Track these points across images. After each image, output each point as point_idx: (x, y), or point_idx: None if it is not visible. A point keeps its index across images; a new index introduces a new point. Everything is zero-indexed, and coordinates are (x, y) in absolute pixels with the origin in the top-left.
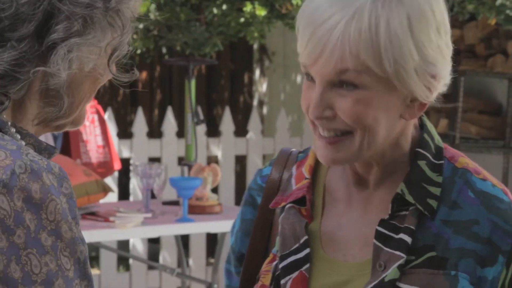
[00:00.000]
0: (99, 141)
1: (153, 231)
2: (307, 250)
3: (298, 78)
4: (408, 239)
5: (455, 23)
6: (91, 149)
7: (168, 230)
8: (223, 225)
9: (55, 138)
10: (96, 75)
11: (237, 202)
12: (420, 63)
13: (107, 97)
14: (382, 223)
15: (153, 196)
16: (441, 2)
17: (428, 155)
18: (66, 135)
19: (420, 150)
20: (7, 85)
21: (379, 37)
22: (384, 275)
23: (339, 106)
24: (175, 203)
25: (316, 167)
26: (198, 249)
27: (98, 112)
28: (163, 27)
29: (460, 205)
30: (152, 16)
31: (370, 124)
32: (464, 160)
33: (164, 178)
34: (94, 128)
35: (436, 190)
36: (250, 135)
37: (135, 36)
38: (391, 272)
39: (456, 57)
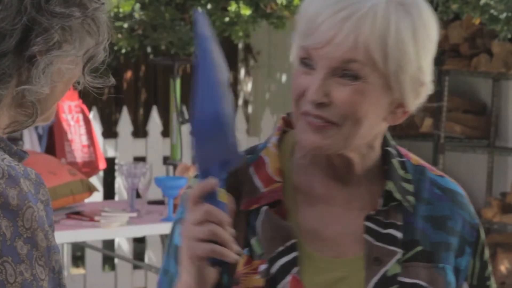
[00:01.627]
0: (84, 140)
1: (139, 231)
2: (294, 253)
3: (283, 78)
4: (398, 234)
5: (439, 22)
6: (76, 149)
7: (153, 230)
8: None
9: (39, 137)
10: (71, 82)
11: None
12: (416, 71)
13: (92, 96)
14: (369, 219)
15: (138, 195)
16: (435, 23)
17: (395, 153)
18: (51, 134)
19: (389, 149)
20: None
21: (388, 37)
22: (384, 270)
23: (337, 95)
24: (160, 202)
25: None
26: None
27: (83, 112)
28: (148, 26)
29: (431, 201)
30: (136, 15)
31: (360, 117)
32: (415, 156)
33: (149, 177)
34: (79, 128)
35: (410, 187)
36: None
37: (119, 36)
38: (392, 267)
39: (441, 56)
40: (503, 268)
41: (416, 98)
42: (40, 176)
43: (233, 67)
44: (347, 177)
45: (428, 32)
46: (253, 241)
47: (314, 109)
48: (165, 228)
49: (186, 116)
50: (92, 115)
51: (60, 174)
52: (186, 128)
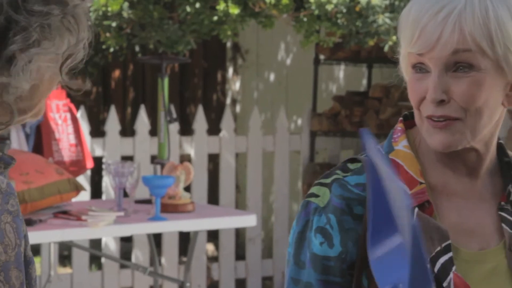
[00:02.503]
0: (72, 139)
1: (126, 230)
2: (450, 253)
3: (271, 76)
4: None
5: None
6: (63, 148)
7: (140, 229)
8: (195, 224)
9: (27, 136)
10: (54, 80)
11: (210, 201)
12: None
13: (79, 95)
14: (501, 209)
15: (125, 194)
16: None
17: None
18: (39, 133)
19: (500, 141)
20: None
21: (490, 23)
22: None
23: (455, 89)
24: (147, 201)
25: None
26: (170, 247)
27: (70, 111)
28: (136, 25)
29: None
30: (125, 14)
31: (480, 106)
32: None
33: (136, 176)
34: (67, 127)
35: None
36: (223, 133)
37: (108, 35)
38: None
39: None
40: None
41: None
42: (12, 186)
43: (221, 66)
44: (477, 169)
45: None
46: None
47: (436, 110)
48: (152, 227)
49: (174, 115)
50: (80, 114)
51: (48, 173)
52: (173, 127)
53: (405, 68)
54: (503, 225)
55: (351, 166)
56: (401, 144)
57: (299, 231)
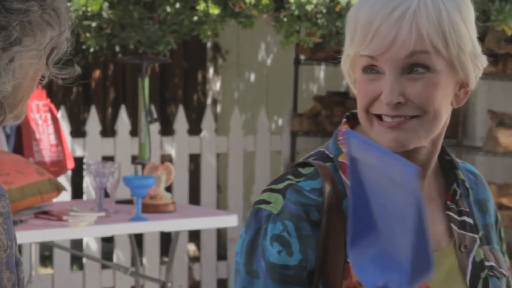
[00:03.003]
0: (52, 139)
1: (107, 230)
2: None
3: (252, 77)
4: (470, 220)
5: None
6: (44, 148)
7: (121, 229)
8: (177, 224)
9: (7, 136)
10: (37, 76)
11: (191, 201)
12: (471, 47)
13: (60, 95)
14: (449, 209)
15: (106, 195)
16: None
17: None
18: (19, 134)
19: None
20: None
21: (444, 23)
22: (472, 257)
23: (411, 91)
24: (128, 202)
25: None
26: (152, 248)
27: (51, 111)
28: (116, 25)
29: (472, 187)
30: (105, 14)
31: (437, 107)
32: None
33: (117, 177)
34: (47, 127)
35: (460, 175)
36: (203, 133)
37: (88, 35)
38: (477, 253)
39: None
40: None
41: (477, 73)
42: (2, 188)
43: (202, 66)
44: (425, 169)
45: (469, 7)
46: None
47: (392, 111)
48: (134, 227)
49: (155, 115)
50: (60, 114)
51: (28, 173)
52: (154, 127)
53: (351, 69)
54: (452, 225)
55: (303, 171)
56: None
57: (250, 239)
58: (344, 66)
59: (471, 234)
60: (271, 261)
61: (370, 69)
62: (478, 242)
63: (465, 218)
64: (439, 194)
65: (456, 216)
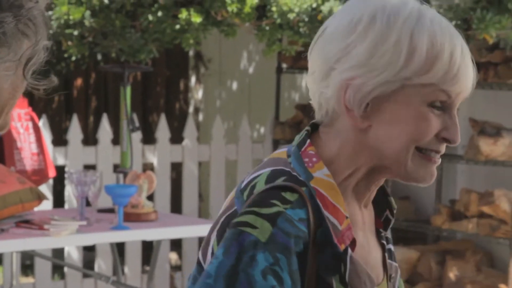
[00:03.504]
0: (34, 148)
1: (88, 239)
2: None
3: (234, 85)
4: (392, 247)
5: None
6: (25, 157)
7: (103, 238)
8: (158, 233)
9: None
10: (15, 88)
11: (173, 210)
12: None
13: (41, 104)
14: (382, 238)
15: (88, 203)
16: None
17: None
18: (0, 142)
19: None
20: None
21: None
22: (397, 287)
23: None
24: (110, 210)
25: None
26: (133, 256)
27: (32, 119)
28: (98, 33)
29: None
30: (87, 23)
31: None
32: None
33: (99, 185)
34: (29, 136)
35: (393, 203)
36: (185, 142)
37: (69, 43)
38: (400, 283)
39: None
40: (452, 275)
41: None
42: None
43: (184, 75)
44: (369, 199)
45: None
46: (338, 283)
47: (442, 148)
48: (115, 236)
49: (137, 123)
50: (42, 123)
51: (9, 182)
52: (136, 136)
53: (409, 95)
54: (386, 255)
55: (289, 197)
56: (321, 172)
57: (232, 264)
58: (363, 87)
59: (394, 263)
60: None
61: (437, 105)
62: (399, 271)
63: (391, 246)
64: (373, 223)
65: (389, 246)
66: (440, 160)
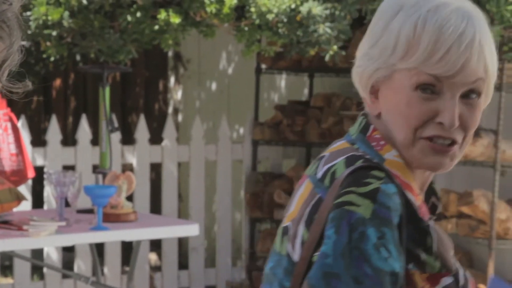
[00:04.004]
0: (12, 149)
1: (68, 240)
2: (461, 268)
3: (213, 86)
4: None
5: None
6: (4, 157)
7: (82, 239)
8: (138, 233)
9: None
10: None
11: (152, 210)
12: (495, 74)
13: (20, 104)
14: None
15: (67, 204)
16: None
17: None
18: None
19: None
20: None
21: (494, 53)
22: None
23: (466, 116)
24: (89, 211)
25: None
26: (113, 257)
27: (11, 120)
28: (77, 34)
29: None
30: (65, 23)
31: (473, 131)
32: None
33: (78, 186)
34: (7, 136)
35: (436, 190)
36: (165, 142)
37: (48, 44)
38: None
39: None
40: None
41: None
42: None
43: (163, 75)
44: (425, 182)
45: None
46: (424, 255)
47: (446, 133)
48: (95, 237)
49: (116, 124)
50: (21, 123)
51: None
52: (115, 136)
53: (375, 81)
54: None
55: (378, 174)
56: (391, 154)
57: (346, 241)
58: (363, 75)
59: None
60: (380, 268)
61: (426, 88)
62: None
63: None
64: None
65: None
66: (455, 148)
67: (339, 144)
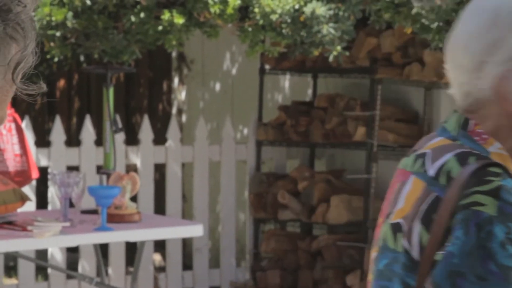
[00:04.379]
0: (17, 149)
1: (72, 240)
2: None
3: (217, 86)
4: None
5: (372, 31)
6: (8, 158)
7: (86, 239)
8: (142, 234)
9: None
10: (4, 92)
11: (156, 211)
12: None
13: (24, 105)
14: None
15: (71, 205)
16: None
17: None
18: None
19: None
20: None
21: None
22: None
23: None
24: (93, 212)
25: None
26: (117, 258)
27: (15, 121)
28: (81, 35)
29: None
30: (69, 24)
31: None
32: None
33: (82, 186)
34: (11, 137)
35: None
36: (169, 143)
37: (52, 44)
38: None
39: (373, 65)
40: None
41: None
42: None
43: (167, 76)
44: None
45: None
46: None
47: None
48: (99, 237)
49: (120, 124)
50: (25, 124)
51: None
52: (119, 137)
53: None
54: None
55: (496, 170)
56: (495, 147)
57: (473, 242)
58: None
59: None
60: (505, 264)
61: None
62: None
63: None
64: None
65: None
66: None
67: (438, 140)
